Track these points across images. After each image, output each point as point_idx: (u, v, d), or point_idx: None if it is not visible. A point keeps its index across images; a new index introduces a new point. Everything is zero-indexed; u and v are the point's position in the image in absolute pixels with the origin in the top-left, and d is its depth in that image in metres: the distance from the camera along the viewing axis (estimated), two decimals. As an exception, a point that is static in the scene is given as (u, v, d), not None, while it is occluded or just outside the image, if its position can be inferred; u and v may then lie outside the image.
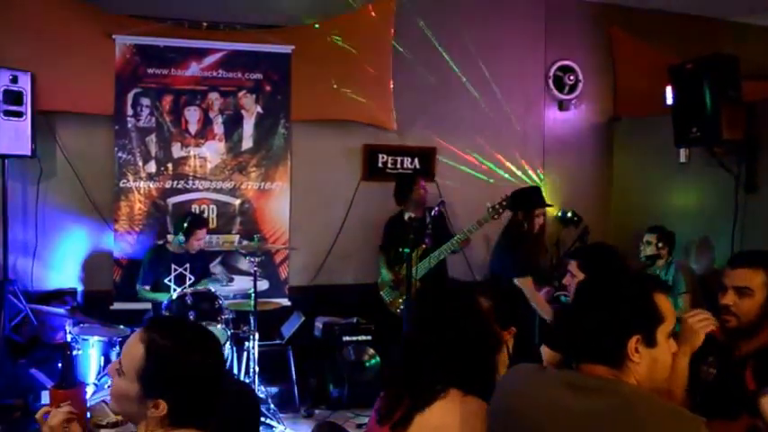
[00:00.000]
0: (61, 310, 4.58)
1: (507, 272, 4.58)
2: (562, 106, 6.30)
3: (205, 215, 5.31)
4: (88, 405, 3.03)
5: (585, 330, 1.67)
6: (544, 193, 5.12)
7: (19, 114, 4.67)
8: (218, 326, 4.48)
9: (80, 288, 5.18)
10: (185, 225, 4.85)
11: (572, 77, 6.25)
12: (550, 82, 6.23)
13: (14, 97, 4.65)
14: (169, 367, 1.64)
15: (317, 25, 5.49)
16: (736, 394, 2.13)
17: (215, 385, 1.70)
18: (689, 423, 1.51)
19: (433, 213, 4.90)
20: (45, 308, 4.70)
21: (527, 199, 4.68)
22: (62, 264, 5.14)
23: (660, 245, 5.07)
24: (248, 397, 3.55)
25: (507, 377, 1.84)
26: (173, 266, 4.88)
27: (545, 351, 2.97)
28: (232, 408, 2.72)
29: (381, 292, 5.33)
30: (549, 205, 4.71)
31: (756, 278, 2.19)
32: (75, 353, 4.24)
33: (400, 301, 5.20)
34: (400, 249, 5.15)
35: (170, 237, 5.19)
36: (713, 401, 2.15)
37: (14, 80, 4.64)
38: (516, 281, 4.50)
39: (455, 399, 1.84)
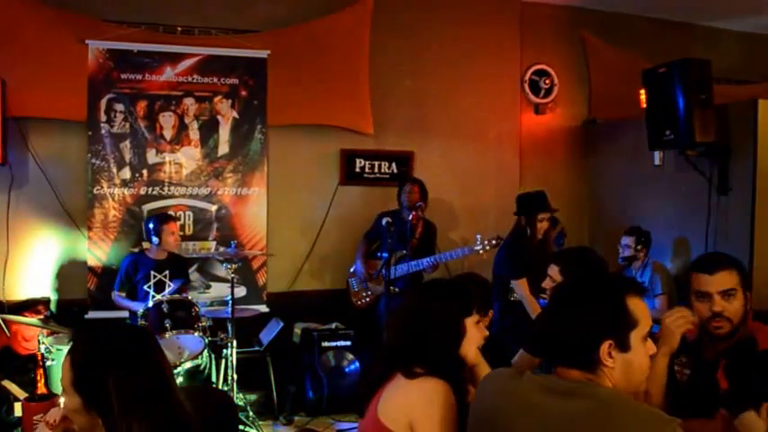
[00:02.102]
0: (34, 320, 4.50)
1: (506, 273, 4.59)
2: (538, 110, 6.35)
3: (181, 221, 5.26)
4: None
5: (558, 335, 1.67)
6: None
7: (-11, 121, 4.59)
8: (195, 334, 4.45)
9: (54, 297, 5.09)
10: (152, 225, 4.81)
11: (547, 81, 6.30)
12: (526, 86, 6.27)
13: (-16, 103, 4.58)
14: (92, 371, 1.62)
15: (293, 30, 5.46)
16: (709, 394, 2.15)
17: (155, 378, 1.67)
18: (665, 425, 1.51)
19: (410, 217, 4.93)
20: (18, 318, 4.60)
21: (530, 204, 4.68)
22: (35, 273, 5.04)
23: (639, 247, 5.11)
24: (225, 401, 3.51)
25: (485, 382, 1.85)
26: (152, 273, 4.82)
27: (523, 356, 2.97)
28: (209, 412, 2.70)
29: (349, 280, 5.38)
30: (554, 210, 4.71)
31: (734, 278, 2.21)
32: (48, 363, 4.18)
33: (363, 294, 5.26)
34: (378, 254, 5.18)
35: (145, 244, 5.12)
36: (688, 401, 2.18)
37: (-16, 86, 4.57)
38: (512, 282, 4.52)
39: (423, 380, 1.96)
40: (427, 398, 1.91)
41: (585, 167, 6.50)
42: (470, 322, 2.09)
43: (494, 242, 4.82)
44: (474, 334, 2.12)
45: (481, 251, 4.85)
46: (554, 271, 2.99)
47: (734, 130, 4.91)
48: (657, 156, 5.52)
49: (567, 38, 6.41)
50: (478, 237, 4.88)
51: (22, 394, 4.18)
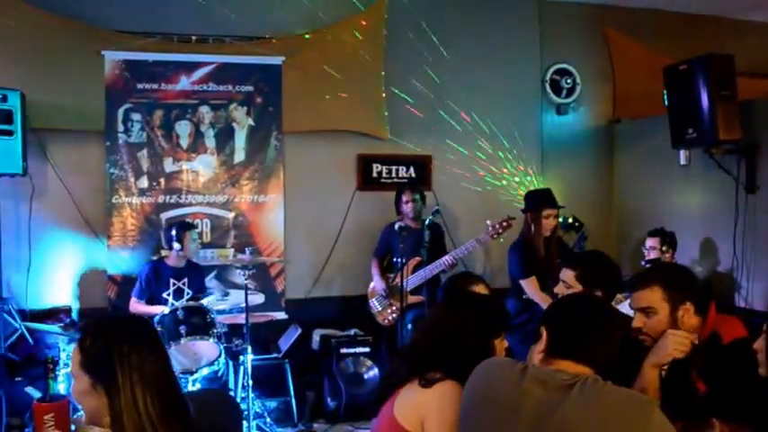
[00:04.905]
0: (56, 328, 4.57)
1: (515, 273, 4.56)
2: (560, 110, 6.21)
3: (199, 229, 5.28)
4: (73, 418, 3.02)
5: (604, 348, 1.81)
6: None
7: (9, 133, 4.67)
8: (211, 340, 4.46)
9: (75, 305, 5.16)
10: (173, 233, 4.84)
11: (569, 81, 6.16)
12: (547, 86, 6.14)
13: (4, 116, 4.65)
14: (96, 347, 1.72)
15: (307, 35, 5.47)
16: (686, 394, 2.14)
17: (157, 357, 1.77)
18: (644, 405, 1.65)
19: (426, 223, 4.86)
20: (40, 326, 4.69)
21: (535, 200, 4.65)
22: (56, 281, 5.12)
23: (664, 248, 4.96)
24: (228, 402, 3.51)
25: (478, 370, 1.92)
26: (171, 281, 4.86)
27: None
28: (212, 413, 2.70)
29: (370, 301, 5.29)
30: (560, 207, 4.65)
31: (654, 296, 2.23)
32: (68, 370, 4.23)
33: (389, 311, 5.14)
34: (394, 259, 5.12)
35: (164, 252, 5.16)
36: (667, 401, 2.13)
37: (4, 99, 4.65)
38: (521, 283, 4.47)
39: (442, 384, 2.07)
40: (441, 399, 2.00)
41: (611, 168, 6.34)
42: (497, 341, 2.19)
43: (504, 224, 4.76)
44: (498, 351, 2.19)
45: (495, 236, 4.79)
46: (568, 276, 2.89)
47: (761, 125, 4.73)
48: (683, 155, 5.36)
49: (589, 35, 6.26)
50: (488, 222, 4.81)
51: (44, 400, 4.25)
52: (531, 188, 5.82)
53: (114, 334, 1.74)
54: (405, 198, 5.21)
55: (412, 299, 4.86)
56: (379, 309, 5.22)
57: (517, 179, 6.01)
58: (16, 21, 4.91)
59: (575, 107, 6.25)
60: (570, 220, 5.94)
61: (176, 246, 4.83)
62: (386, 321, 5.17)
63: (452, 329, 2.15)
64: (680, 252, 5.04)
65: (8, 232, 4.93)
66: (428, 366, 2.08)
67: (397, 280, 4.76)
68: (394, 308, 5.07)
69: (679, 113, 4.83)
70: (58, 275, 5.13)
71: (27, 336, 4.85)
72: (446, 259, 4.92)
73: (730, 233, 4.91)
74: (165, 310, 4.53)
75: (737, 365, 2.05)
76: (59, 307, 5.09)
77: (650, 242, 5.01)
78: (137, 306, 4.83)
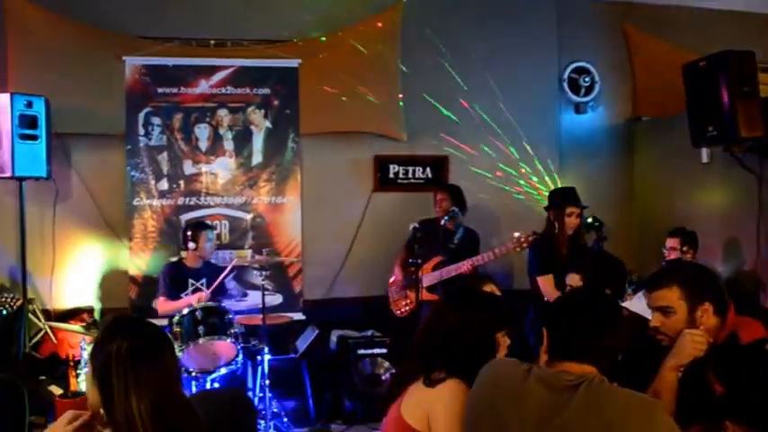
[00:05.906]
0: (78, 327, 4.67)
1: (532, 271, 4.53)
2: (579, 109, 6.15)
3: (218, 231, 5.35)
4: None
5: (606, 345, 1.81)
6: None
7: (34, 138, 4.80)
8: (228, 340, 4.50)
9: (97, 306, 5.28)
10: (189, 234, 4.90)
11: (588, 79, 6.10)
12: (565, 85, 6.09)
13: (30, 121, 4.79)
14: (102, 345, 1.77)
15: (323, 38, 5.50)
16: (703, 395, 2.09)
17: (159, 372, 1.77)
18: (649, 406, 1.64)
19: (442, 224, 4.86)
20: (63, 325, 4.79)
21: (558, 198, 4.62)
22: (79, 282, 5.24)
23: (685, 248, 4.89)
24: (243, 401, 3.55)
25: (485, 369, 1.93)
26: (189, 281, 4.92)
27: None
28: (227, 412, 2.73)
29: (390, 289, 5.33)
30: (584, 206, 4.60)
31: (672, 295, 2.20)
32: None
33: (403, 303, 5.18)
34: (410, 260, 5.12)
35: (184, 253, 5.22)
36: (684, 402, 2.10)
37: (29, 105, 4.79)
38: (538, 278, 4.44)
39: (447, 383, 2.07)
40: (446, 397, 2.02)
41: (631, 167, 6.27)
42: (500, 336, 2.17)
43: (530, 238, 4.71)
44: (501, 347, 2.19)
45: (518, 249, 4.74)
46: (575, 280, 2.89)
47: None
48: (705, 153, 5.28)
49: (608, 32, 6.19)
50: (515, 235, 4.77)
51: (67, 399, 4.35)
52: (550, 188, 5.78)
53: (120, 337, 1.78)
54: (438, 196, 5.24)
55: (427, 296, 4.86)
56: (395, 298, 5.27)
57: (535, 179, 5.96)
58: (39, 29, 5.04)
59: (593, 106, 6.19)
60: (590, 221, 5.89)
61: (191, 245, 4.88)
62: (399, 312, 5.22)
63: (454, 328, 2.15)
64: (702, 251, 4.95)
65: (33, 234, 5.05)
66: (433, 365, 2.09)
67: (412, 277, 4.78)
68: (408, 300, 5.12)
69: (699, 111, 4.76)
70: (81, 277, 5.25)
71: (51, 335, 4.98)
72: (464, 265, 4.90)
73: (753, 232, 4.82)
74: (194, 301, 4.59)
75: (753, 367, 2.00)
76: (82, 307, 5.21)
77: (670, 242, 4.94)
78: (166, 304, 4.84)
